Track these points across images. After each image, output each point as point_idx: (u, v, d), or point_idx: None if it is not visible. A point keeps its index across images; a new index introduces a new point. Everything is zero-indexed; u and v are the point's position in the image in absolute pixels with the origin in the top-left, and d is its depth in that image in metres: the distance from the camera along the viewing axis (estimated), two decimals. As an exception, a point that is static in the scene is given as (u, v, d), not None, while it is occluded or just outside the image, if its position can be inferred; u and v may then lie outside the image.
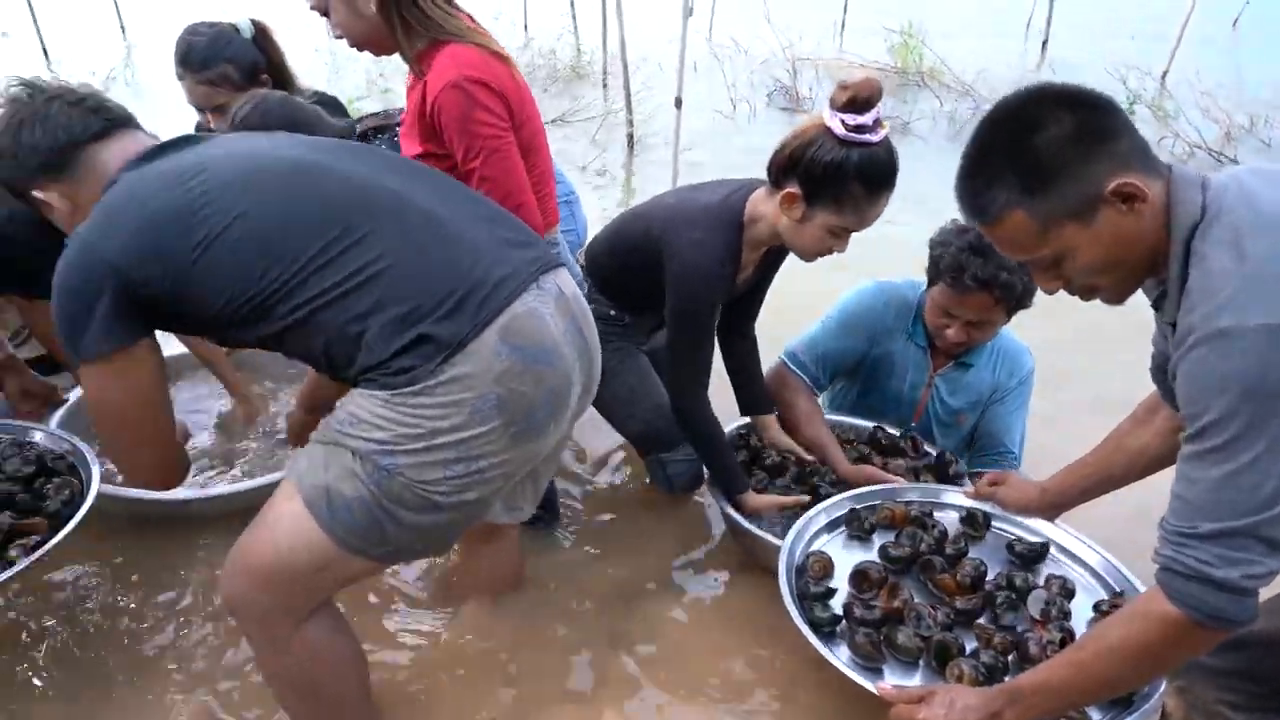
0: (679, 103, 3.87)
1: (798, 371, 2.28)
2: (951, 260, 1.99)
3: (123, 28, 9.13)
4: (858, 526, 1.87)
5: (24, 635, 1.91)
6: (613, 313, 2.13)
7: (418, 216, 1.32)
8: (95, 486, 1.82)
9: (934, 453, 2.20)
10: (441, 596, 2.02)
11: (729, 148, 5.67)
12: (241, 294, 1.26)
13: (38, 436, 1.98)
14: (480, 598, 1.98)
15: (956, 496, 1.98)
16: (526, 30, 9.07)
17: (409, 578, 2.08)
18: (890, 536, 1.85)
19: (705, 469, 2.16)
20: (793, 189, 1.79)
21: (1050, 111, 1.15)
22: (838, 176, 1.73)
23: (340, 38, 1.74)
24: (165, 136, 1.45)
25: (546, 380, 1.35)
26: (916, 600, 1.67)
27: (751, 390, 2.27)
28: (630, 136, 5.75)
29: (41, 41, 8.17)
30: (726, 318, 2.16)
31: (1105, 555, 1.80)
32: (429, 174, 1.48)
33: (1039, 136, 1.15)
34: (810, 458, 2.18)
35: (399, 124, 2.10)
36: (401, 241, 1.27)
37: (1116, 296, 1.27)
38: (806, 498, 2.04)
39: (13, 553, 1.64)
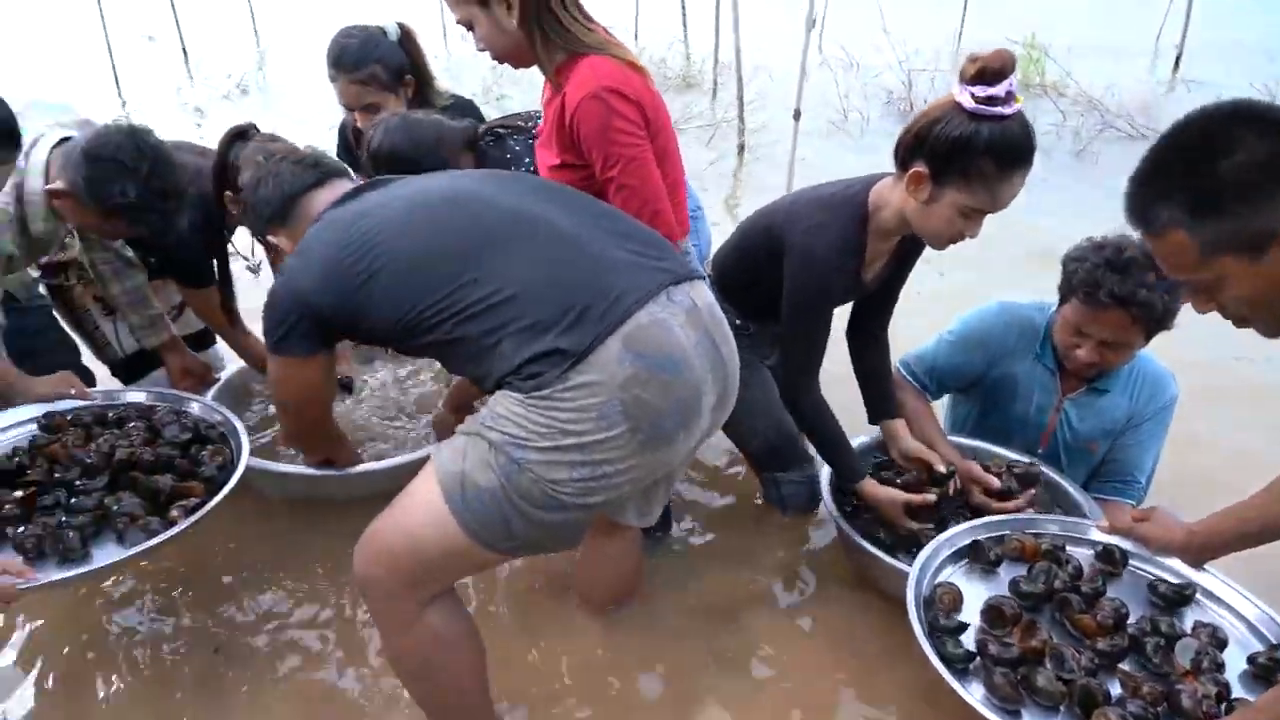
0: (798, 115, 3.83)
1: (908, 377, 2.23)
2: (1086, 275, 1.89)
3: (256, 33, 9.62)
4: (983, 558, 1.81)
5: (153, 600, 2.03)
6: (738, 322, 2.12)
7: (551, 236, 1.42)
8: (245, 454, 1.93)
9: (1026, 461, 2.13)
10: (558, 593, 2.05)
11: (842, 158, 5.58)
12: (399, 319, 1.42)
13: (194, 407, 2.13)
14: (595, 604, 2.01)
15: (1092, 530, 1.89)
16: (637, 39, 9.14)
17: (527, 569, 2.12)
18: (1019, 570, 1.77)
19: (813, 491, 2.12)
20: (919, 168, 1.73)
21: (1243, 135, 1.05)
22: (966, 151, 1.66)
23: (484, 50, 1.80)
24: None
25: (673, 389, 1.36)
26: (1055, 640, 1.59)
27: (881, 395, 2.19)
28: (741, 146, 5.73)
29: (183, 46, 8.71)
30: (856, 318, 2.11)
31: (1259, 604, 1.69)
32: (564, 193, 1.57)
33: (1224, 161, 1.05)
34: (942, 467, 2.07)
35: (533, 127, 2.15)
36: (533, 261, 1.38)
37: (1272, 332, 1.18)
38: (933, 497, 1.97)
39: (174, 513, 1.75)
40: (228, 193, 2.20)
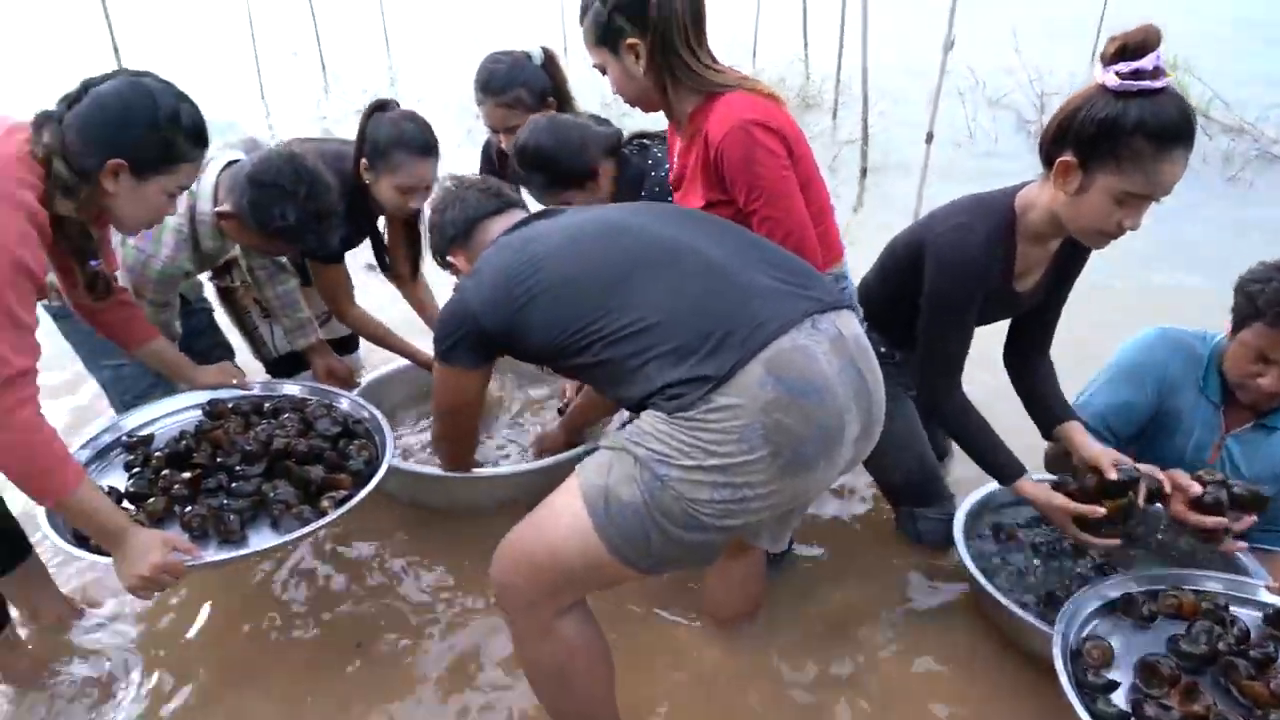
0: (930, 138, 3.74)
1: None
2: (1274, 295, 1.77)
3: (389, 51, 10.08)
4: (1135, 613, 1.70)
5: (296, 587, 2.12)
6: (883, 350, 2.07)
7: (698, 264, 1.45)
8: (390, 450, 2.02)
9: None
10: (681, 607, 2.06)
11: (967, 182, 5.41)
12: (553, 340, 1.50)
13: (344, 403, 2.23)
14: (719, 620, 2.01)
15: (1260, 591, 1.75)
16: (755, 57, 9.14)
17: (653, 581, 2.12)
18: (1175, 628, 1.66)
19: (950, 530, 2.04)
20: (1066, 157, 1.64)
21: None
22: (1115, 131, 1.55)
23: (617, 94, 1.86)
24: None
25: (815, 416, 1.35)
26: (1219, 706, 1.49)
27: (1050, 403, 2.01)
28: (865, 169, 5.63)
29: (322, 62, 9.20)
30: (1014, 339, 2.02)
31: None
32: (714, 223, 1.61)
33: None
34: (1113, 473, 1.81)
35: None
36: (679, 289, 1.41)
37: None
38: (1102, 510, 1.76)
39: (324, 503, 1.84)
40: (363, 160, 2.33)
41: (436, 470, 2.21)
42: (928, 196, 3.79)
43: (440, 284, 2.43)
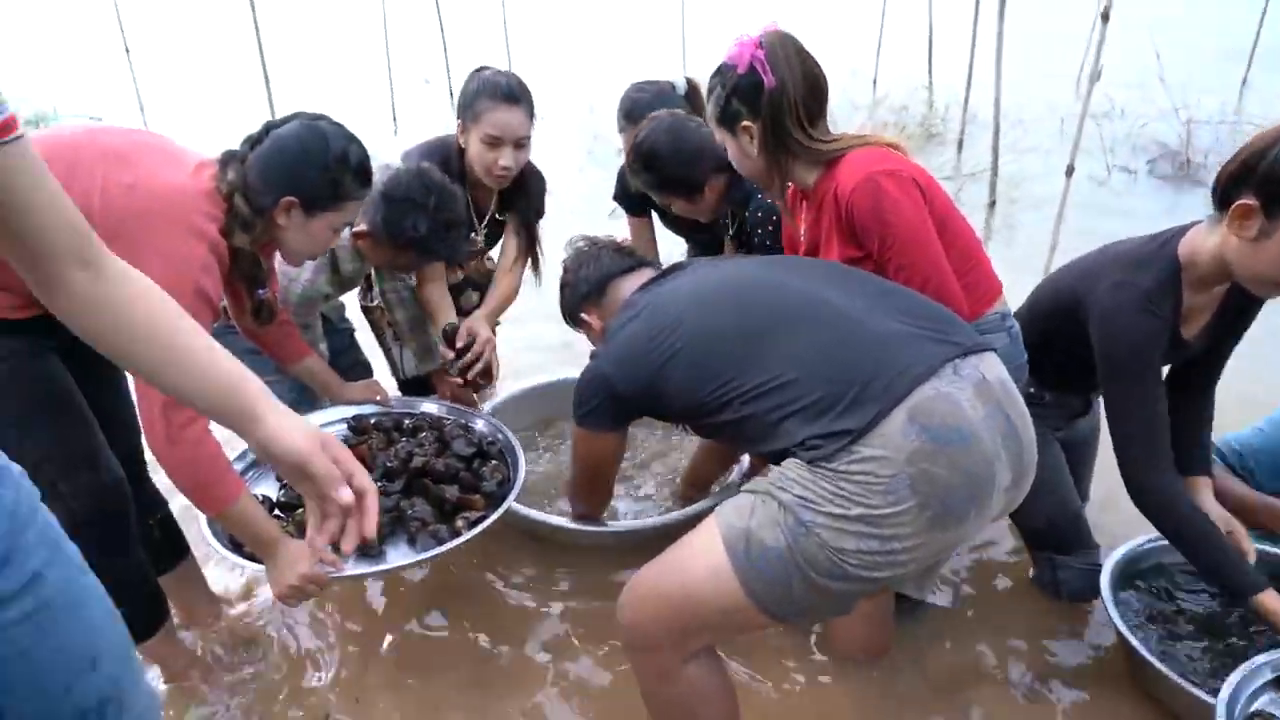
0: (1070, 170, 3.58)
1: (1220, 463, 1.98)
2: None
3: (513, 77, 10.42)
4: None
5: (424, 602, 2.18)
6: (1031, 390, 1.99)
7: (833, 316, 1.44)
8: (522, 474, 2.04)
9: None
10: (806, 645, 2.01)
11: (1104, 217, 5.16)
12: (693, 399, 1.51)
13: (479, 424, 2.29)
14: (843, 653, 1.97)
15: None
16: (875, 85, 9.01)
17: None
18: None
19: (1093, 582, 1.93)
20: (1247, 200, 1.54)
21: None
22: None
23: (738, 170, 1.92)
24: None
25: (961, 463, 1.31)
26: None
27: (1192, 443, 1.93)
28: (993, 202, 5.45)
29: (450, 89, 9.58)
30: (1178, 375, 1.91)
31: None
32: (849, 274, 1.61)
33: None
34: None
35: None
36: (815, 342, 1.42)
37: None
38: None
39: (459, 523, 1.89)
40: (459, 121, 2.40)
41: (561, 521, 2.19)
42: (1065, 232, 3.63)
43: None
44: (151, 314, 0.96)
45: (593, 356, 1.76)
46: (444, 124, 8.68)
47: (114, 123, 8.46)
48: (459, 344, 2.38)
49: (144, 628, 1.84)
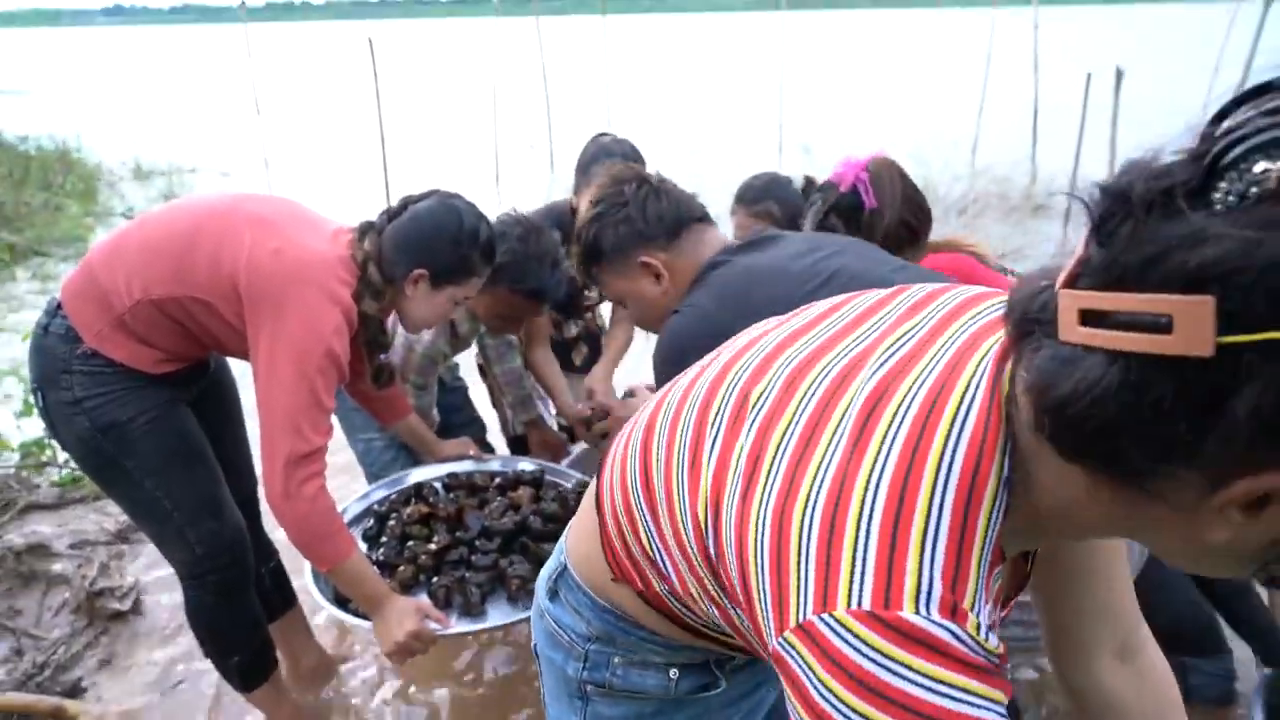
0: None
1: None
2: None
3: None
4: None
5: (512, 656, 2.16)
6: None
7: None
8: None
9: None
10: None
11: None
12: None
13: (570, 483, 2.26)
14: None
15: None
16: (975, 155, 8.90)
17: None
18: None
19: (1227, 689, 1.77)
20: None
21: None
22: None
23: None
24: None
25: None
26: None
27: None
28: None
29: (551, 154, 9.92)
30: None
31: None
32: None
33: None
34: None
35: None
36: None
37: None
38: None
39: None
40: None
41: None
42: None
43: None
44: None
45: (687, 304, 1.41)
46: (544, 186, 8.95)
47: (243, 178, 9.05)
48: (593, 419, 2.43)
49: (255, 676, 1.89)
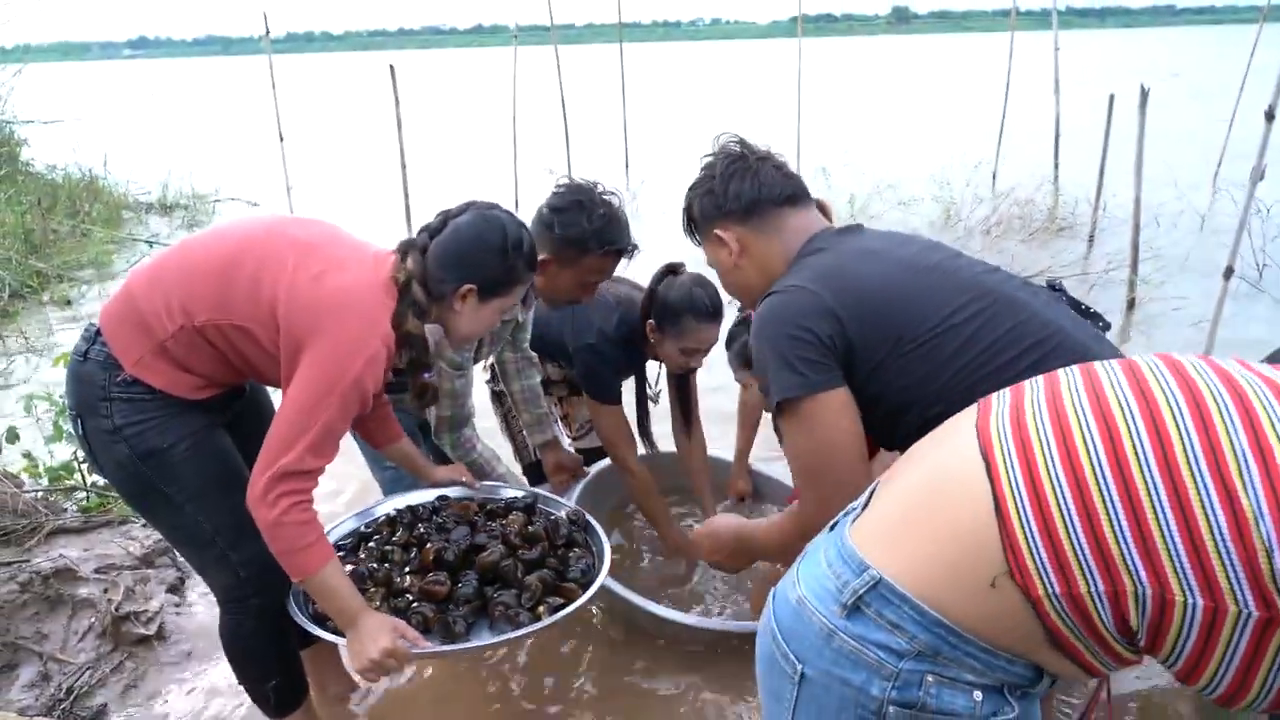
0: (1229, 273, 3.38)
1: None
2: None
3: (628, 172, 10.79)
4: None
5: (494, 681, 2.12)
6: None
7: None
8: (607, 564, 1.96)
9: None
10: None
11: (1255, 322, 4.84)
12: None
13: (563, 512, 2.18)
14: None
15: None
16: (995, 179, 8.85)
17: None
18: None
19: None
20: None
21: None
22: None
23: None
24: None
25: None
26: None
27: None
28: (1132, 301, 5.20)
29: (570, 179, 9.96)
30: None
31: None
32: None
33: None
34: None
35: None
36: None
37: None
38: None
39: (541, 609, 1.81)
40: (650, 320, 2.38)
41: (654, 607, 2.17)
42: (1221, 340, 3.41)
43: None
44: None
45: (780, 285, 1.43)
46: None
47: (268, 205, 9.15)
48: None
49: (290, 701, 1.87)
